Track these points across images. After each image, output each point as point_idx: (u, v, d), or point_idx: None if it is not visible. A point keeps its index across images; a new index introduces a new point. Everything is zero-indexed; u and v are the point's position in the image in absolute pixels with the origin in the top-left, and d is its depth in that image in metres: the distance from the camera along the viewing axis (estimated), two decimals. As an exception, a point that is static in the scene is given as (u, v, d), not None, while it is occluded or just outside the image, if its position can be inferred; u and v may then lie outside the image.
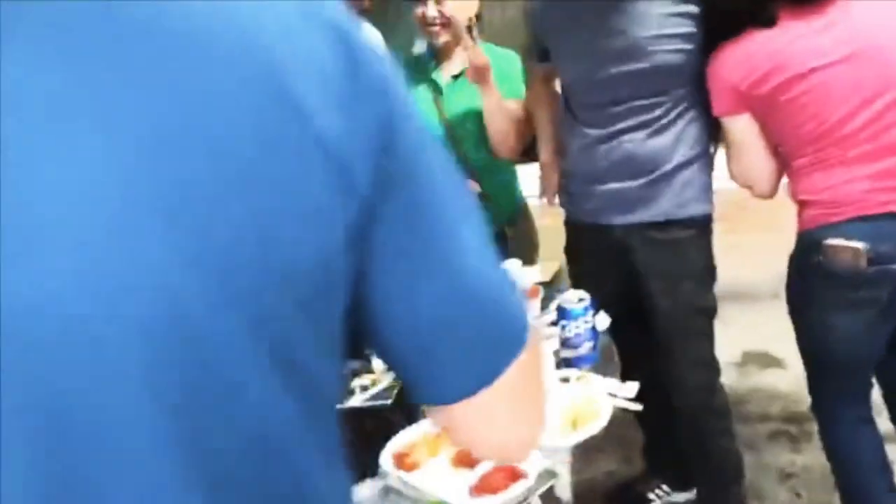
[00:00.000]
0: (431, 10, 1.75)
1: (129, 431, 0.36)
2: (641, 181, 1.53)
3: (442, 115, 1.84)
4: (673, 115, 1.51)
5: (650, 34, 1.44)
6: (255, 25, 0.38)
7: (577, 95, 1.60)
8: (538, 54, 1.69)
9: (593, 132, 1.56)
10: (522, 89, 1.83)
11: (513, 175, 1.95)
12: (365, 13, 1.85)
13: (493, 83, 1.69)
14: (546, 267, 1.75)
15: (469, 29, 1.78)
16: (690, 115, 1.52)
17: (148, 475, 0.37)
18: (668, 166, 1.52)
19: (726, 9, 1.37)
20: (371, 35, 1.65)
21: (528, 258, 1.81)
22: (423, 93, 1.86)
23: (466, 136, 1.82)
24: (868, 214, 1.31)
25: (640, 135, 1.51)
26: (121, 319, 0.34)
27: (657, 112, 1.50)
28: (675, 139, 1.52)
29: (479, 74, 1.67)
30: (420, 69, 1.90)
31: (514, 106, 1.77)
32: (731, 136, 1.46)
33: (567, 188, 1.70)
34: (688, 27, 1.44)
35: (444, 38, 1.79)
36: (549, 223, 1.94)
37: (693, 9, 1.43)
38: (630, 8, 1.44)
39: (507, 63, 1.83)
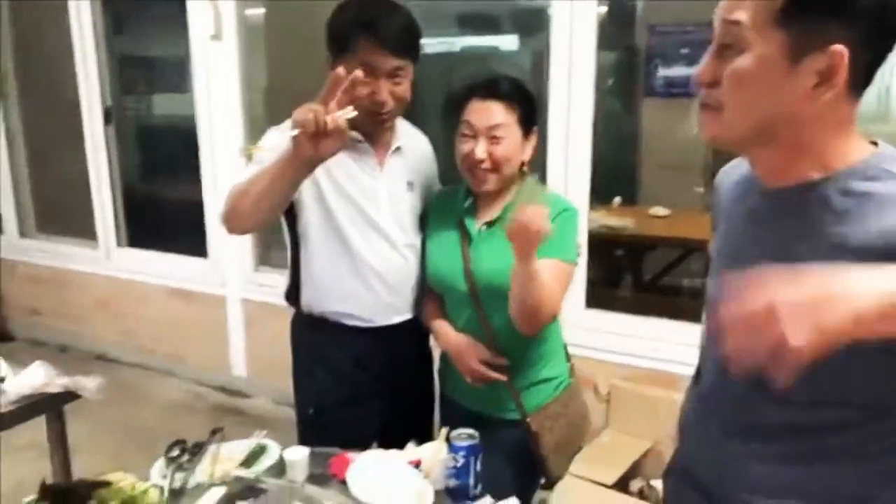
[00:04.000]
0: (481, 151, 1.52)
1: None
2: None
3: (467, 267, 1.58)
4: None
5: None
6: None
7: None
8: None
9: None
10: (570, 250, 1.54)
11: (550, 347, 1.66)
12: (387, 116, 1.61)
13: (534, 256, 1.39)
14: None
15: (521, 175, 1.59)
16: None
17: None
18: None
19: None
20: (416, 137, 1.53)
21: (565, 451, 1.67)
22: (449, 237, 1.63)
23: (490, 295, 1.56)
24: None
25: None
26: None
27: None
28: None
29: (525, 239, 1.34)
30: (452, 208, 1.65)
31: (548, 270, 1.44)
32: None
33: None
34: None
35: (489, 185, 1.56)
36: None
37: None
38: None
39: (552, 212, 1.45)
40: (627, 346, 2.75)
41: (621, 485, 2.48)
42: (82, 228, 4.34)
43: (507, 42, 5.41)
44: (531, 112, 1.58)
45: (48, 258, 4.48)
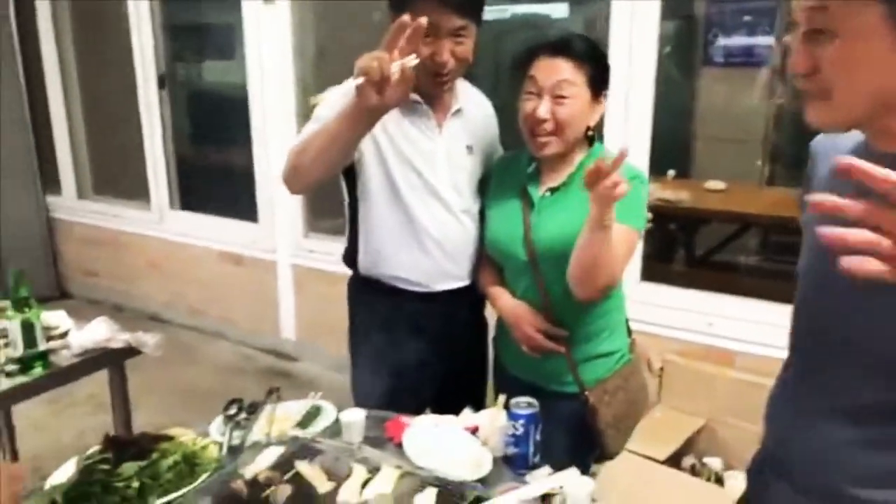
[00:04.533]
0: (544, 111, 1.45)
1: None
2: None
3: (528, 235, 1.53)
4: None
5: None
6: None
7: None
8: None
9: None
10: (638, 218, 1.48)
11: (611, 320, 1.61)
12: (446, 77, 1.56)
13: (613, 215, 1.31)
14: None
15: (589, 140, 1.53)
16: None
17: None
18: None
19: None
20: (478, 100, 1.49)
21: (622, 427, 1.63)
22: (511, 204, 1.58)
23: (550, 265, 1.51)
24: None
25: None
26: None
27: None
28: None
29: (606, 195, 1.26)
30: (515, 173, 1.60)
31: (615, 235, 1.37)
32: None
33: None
34: None
35: (550, 149, 1.49)
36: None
37: None
38: None
39: (626, 178, 1.42)
40: (682, 320, 2.68)
41: (672, 461, 2.44)
42: (137, 191, 4.42)
43: (558, 10, 5.29)
44: (602, 74, 1.50)
45: (104, 220, 4.58)
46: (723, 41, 4.49)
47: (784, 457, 0.99)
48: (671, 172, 4.07)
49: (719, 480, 2.45)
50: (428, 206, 1.62)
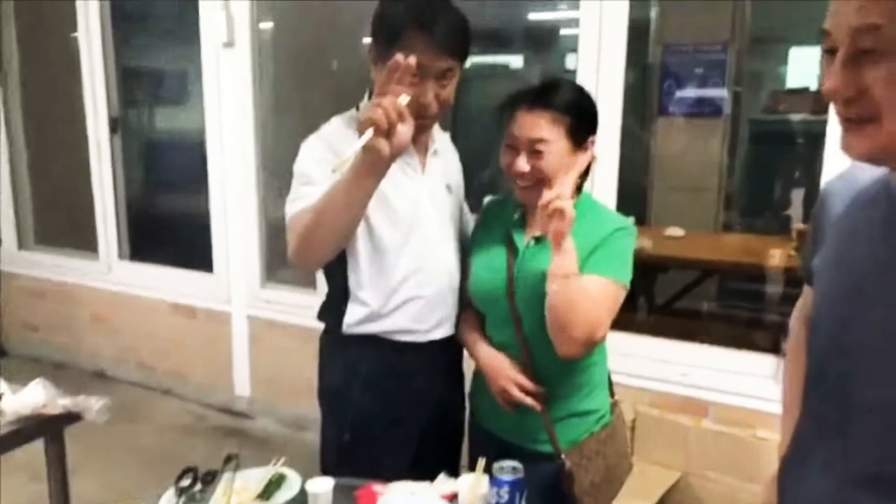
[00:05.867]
0: (522, 164, 1.43)
1: None
2: None
3: (510, 285, 1.48)
4: None
5: None
6: None
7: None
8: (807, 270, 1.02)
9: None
10: (622, 270, 1.44)
11: (592, 377, 1.54)
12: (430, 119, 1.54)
13: (569, 247, 1.33)
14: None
15: (578, 189, 1.46)
16: None
17: None
18: None
19: None
20: (447, 141, 1.41)
21: (602, 495, 1.56)
22: (495, 251, 1.53)
23: (532, 316, 1.45)
24: None
25: None
26: None
27: None
28: None
29: (554, 226, 1.30)
30: (501, 220, 1.57)
31: (593, 287, 1.38)
32: None
33: None
34: None
35: (536, 198, 1.43)
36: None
37: None
38: None
39: (607, 229, 1.44)
40: (654, 370, 2.63)
41: (648, 517, 2.36)
42: (82, 241, 4.22)
43: (515, 60, 5.41)
44: (585, 122, 1.46)
45: (47, 271, 4.35)
46: (678, 91, 4.60)
47: None
48: (630, 219, 4.09)
49: (695, 536, 2.38)
50: (412, 248, 1.55)
